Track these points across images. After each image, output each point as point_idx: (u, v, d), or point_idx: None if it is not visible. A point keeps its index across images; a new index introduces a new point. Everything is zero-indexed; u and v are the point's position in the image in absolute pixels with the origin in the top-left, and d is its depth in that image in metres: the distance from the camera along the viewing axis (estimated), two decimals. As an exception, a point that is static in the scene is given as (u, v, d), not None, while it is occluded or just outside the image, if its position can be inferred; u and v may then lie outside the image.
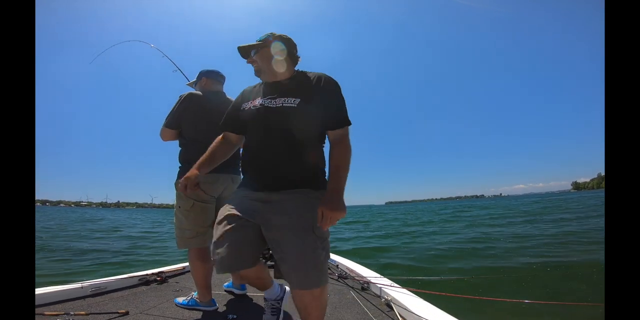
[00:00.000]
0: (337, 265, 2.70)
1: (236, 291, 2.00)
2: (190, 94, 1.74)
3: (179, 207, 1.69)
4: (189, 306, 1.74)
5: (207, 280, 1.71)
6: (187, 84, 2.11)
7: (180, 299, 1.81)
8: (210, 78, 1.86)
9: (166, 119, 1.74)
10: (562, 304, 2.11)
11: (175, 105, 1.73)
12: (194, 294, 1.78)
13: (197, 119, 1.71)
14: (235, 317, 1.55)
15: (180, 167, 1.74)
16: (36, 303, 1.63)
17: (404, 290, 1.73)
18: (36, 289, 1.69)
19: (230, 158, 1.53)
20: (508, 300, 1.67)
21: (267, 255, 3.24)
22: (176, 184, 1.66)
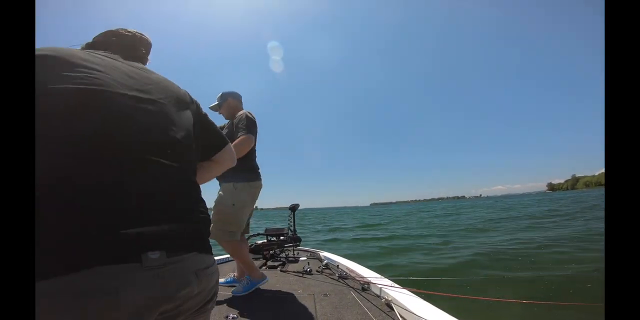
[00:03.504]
0: (338, 266, 2.70)
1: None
2: (251, 113, 2.03)
3: (233, 204, 1.89)
4: (250, 290, 1.92)
5: (251, 260, 2.02)
6: (211, 107, 2.18)
7: (238, 289, 1.93)
8: (236, 99, 2.16)
9: (249, 129, 1.91)
10: (562, 304, 2.11)
11: (247, 120, 1.94)
12: (247, 277, 1.98)
13: (255, 133, 2.01)
14: (235, 316, 1.55)
15: (249, 171, 2.00)
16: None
17: (405, 291, 1.73)
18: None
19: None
20: (509, 300, 1.67)
21: (267, 255, 3.25)
22: (244, 186, 1.93)
